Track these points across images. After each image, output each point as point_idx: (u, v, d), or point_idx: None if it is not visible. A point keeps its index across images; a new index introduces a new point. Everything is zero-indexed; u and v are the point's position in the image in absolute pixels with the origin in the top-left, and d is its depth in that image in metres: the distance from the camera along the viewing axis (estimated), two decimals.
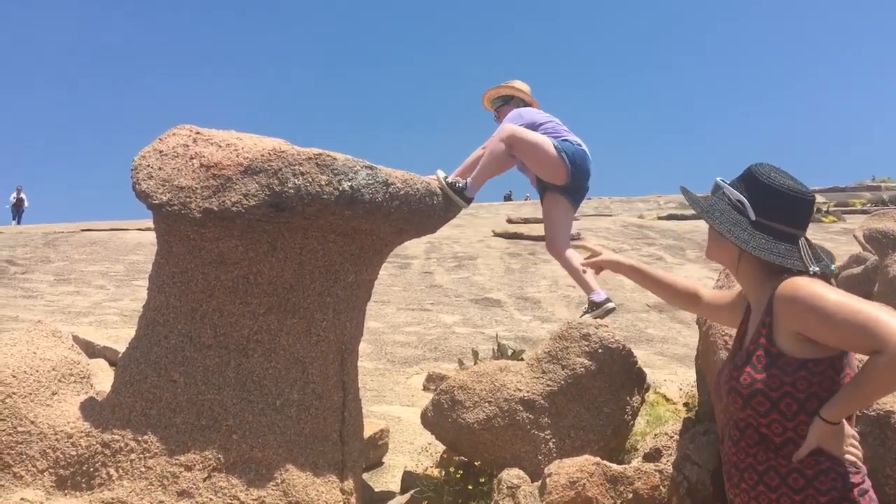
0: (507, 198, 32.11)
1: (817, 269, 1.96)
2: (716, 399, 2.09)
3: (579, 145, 4.42)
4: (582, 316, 4.26)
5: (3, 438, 3.20)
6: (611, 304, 4.26)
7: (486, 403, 3.66)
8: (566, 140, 4.39)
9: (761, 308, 1.99)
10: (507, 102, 4.81)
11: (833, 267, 2.03)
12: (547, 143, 4.33)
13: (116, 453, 3.19)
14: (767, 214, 2.03)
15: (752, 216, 2.04)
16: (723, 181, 2.13)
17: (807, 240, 2.06)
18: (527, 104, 4.77)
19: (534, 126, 4.47)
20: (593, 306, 4.25)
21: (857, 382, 1.78)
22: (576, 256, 4.38)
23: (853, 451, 1.85)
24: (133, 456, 3.18)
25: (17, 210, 28.80)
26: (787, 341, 1.89)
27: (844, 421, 1.84)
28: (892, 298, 6.08)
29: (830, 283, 1.99)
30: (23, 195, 29.05)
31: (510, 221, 20.19)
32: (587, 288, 4.31)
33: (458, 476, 3.76)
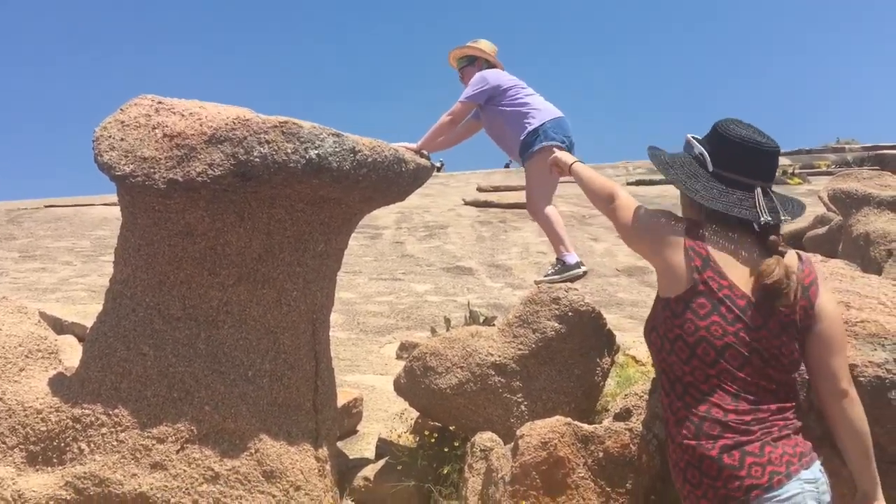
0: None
1: (769, 218, 2.00)
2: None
3: (534, 119, 4.40)
4: (546, 276, 4.24)
5: None
6: (582, 269, 4.25)
7: (458, 369, 3.68)
8: (527, 118, 4.39)
9: None
10: (472, 63, 4.74)
11: (787, 217, 2.05)
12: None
13: (87, 427, 3.17)
14: (725, 165, 2.09)
15: (710, 167, 2.09)
16: (691, 137, 2.18)
17: (768, 190, 2.09)
18: (491, 65, 4.73)
19: (498, 90, 4.46)
20: (562, 268, 4.23)
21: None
22: (553, 214, 4.37)
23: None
24: (104, 430, 3.16)
25: None
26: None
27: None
28: (855, 257, 6.20)
29: (776, 230, 2.05)
30: None
31: (480, 190, 20.18)
32: (560, 246, 4.29)
33: (432, 441, 3.79)
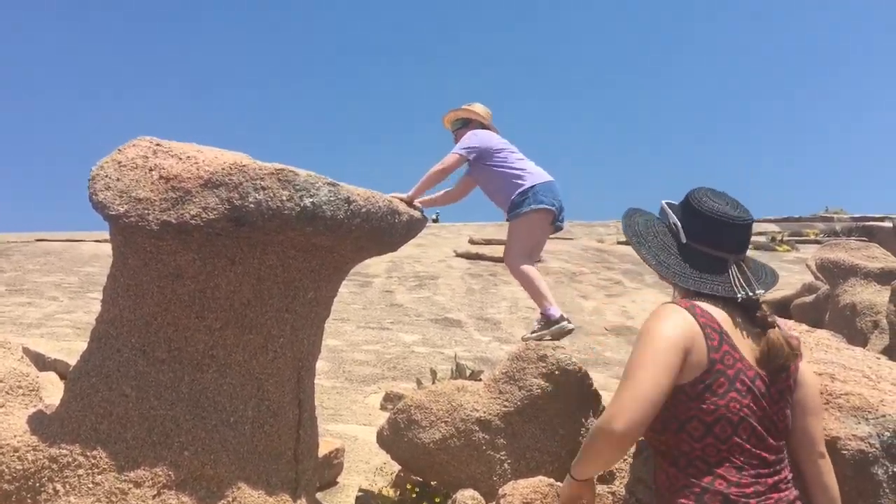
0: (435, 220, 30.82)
1: (744, 293, 2.00)
2: None
3: (524, 181, 4.49)
4: (533, 333, 4.24)
5: None
6: (569, 325, 4.26)
7: (443, 423, 3.65)
8: (518, 181, 4.48)
9: None
10: (466, 125, 4.84)
11: (761, 291, 2.05)
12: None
13: (64, 468, 3.12)
14: (696, 238, 2.08)
15: (683, 239, 2.08)
16: (666, 204, 2.18)
17: (743, 262, 2.09)
18: (485, 128, 4.81)
19: (488, 152, 4.56)
20: (548, 323, 4.23)
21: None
22: (531, 271, 4.41)
23: None
24: (81, 471, 3.11)
25: None
26: None
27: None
28: (842, 327, 6.22)
29: (759, 305, 2.04)
30: None
31: (472, 242, 20.26)
32: (543, 301, 4.31)
33: (413, 496, 3.75)
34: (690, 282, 2.02)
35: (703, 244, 2.06)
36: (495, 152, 4.57)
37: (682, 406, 1.93)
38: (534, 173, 4.54)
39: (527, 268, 4.41)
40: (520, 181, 4.48)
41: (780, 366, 1.97)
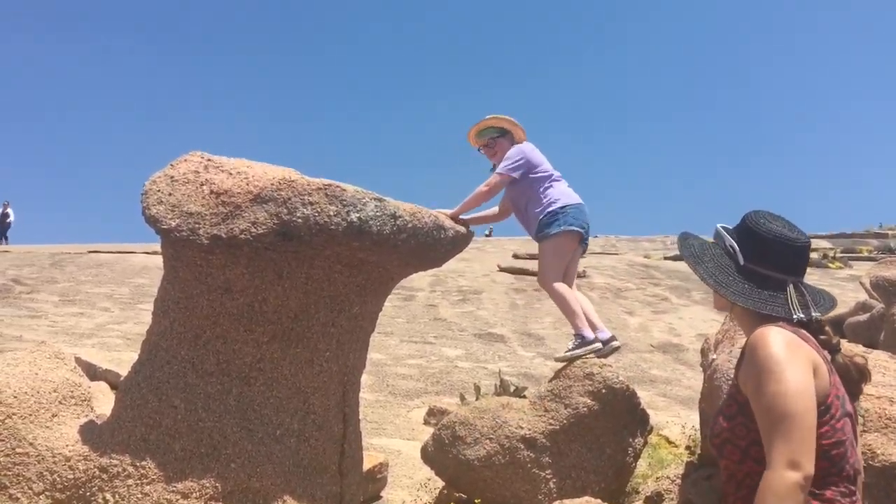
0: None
1: (801, 315, 1.95)
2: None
3: (557, 201, 4.47)
4: (567, 352, 4.13)
5: (1, 459, 3.18)
6: (604, 347, 4.13)
7: (488, 440, 3.63)
8: (552, 203, 4.46)
9: None
10: (504, 135, 4.77)
11: (818, 314, 1.99)
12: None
13: (114, 478, 3.17)
14: (755, 260, 2.04)
15: (741, 261, 2.05)
16: (721, 228, 2.16)
17: (801, 285, 2.05)
18: (518, 142, 4.76)
19: (532, 168, 4.52)
20: (581, 342, 4.14)
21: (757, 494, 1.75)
22: (564, 290, 4.35)
23: None
24: (130, 482, 3.16)
25: (2, 227, 27.33)
26: (748, 389, 1.88)
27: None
28: None
29: (824, 329, 1.98)
30: (9, 210, 27.67)
31: (516, 257, 20.19)
32: (576, 321, 4.24)
33: None
34: (751, 301, 1.98)
35: (761, 266, 2.03)
36: (534, 168, 4.54)
37: None
38: (566, 193, 4.52)
39: (561, 287, 4.37)
40: (552, 201, 4.46)
41: (854, 391, 1.92)
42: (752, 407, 1.82)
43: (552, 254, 4.40)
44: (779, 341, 1.83)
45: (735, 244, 2.08)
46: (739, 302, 2.00)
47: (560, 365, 4.11)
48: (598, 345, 4.10)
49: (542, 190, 4.51)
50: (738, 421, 1.88)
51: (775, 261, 2.03)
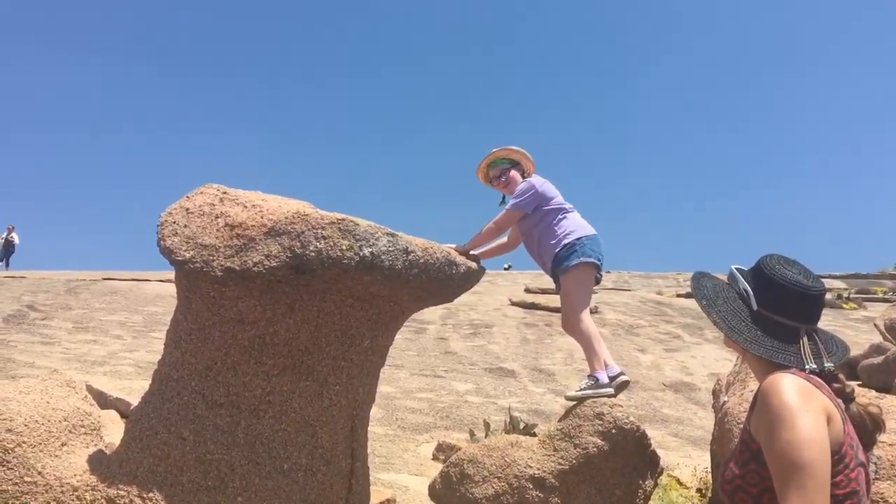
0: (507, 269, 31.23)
1: (814, 366, 1.93)
2: None
3: (572, 233, 4.44)
4: (579, 390, 4.08)
5: (10, 488, 3.19)
6: (613, 387, 4.06)
7: (496, 479, 3.60)
8: (566, 235, 4.43)
9: None
10: (515, 166, 4.76)
11: (830, 364, 1.97)
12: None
13: None
14: (768, 306, 2.01)
15: (754, 306, 2.03)
16: (736, 270, 2.14)
17: (815, 333, 2.03)
18: (528, 174, 4.75)
19: (544, 201, 4.51)
20: (595, 384, 4.08)
21: None
22: (592, 330, 4.30)
23: None
24: None
25: (6, 251, 27.19)
26: (761, 436, 1.85)
27: None
28: None
29: (837, 377, 1.96)
30: (13, 235, 27.52)
31: (528, 291, 20.15)
32: (595, 364, 4.19)
33: None
34: (762, 350, 1.96)
35: (775, 313, 2.01)
36: (548, 200, 4.52)
37: None
38: (581, 225, 4.48)
39: (590, 324, 4.29)
40: (566, 234, 4.41)
41: (868, 442, 1.90)
42: (765, 456, 1.79)
43: (576, 286, 4.32)
44: (792, 389, 1.80)
45: (749, 288, 2.06)
46: (752, 350, 1.98)
47: (570, 403, 4.08)
48: (611, 390, 4.03)
49: (555, 222, 4.47)
50: (750, 468, 1.86)
51: (789, 308, 2.00)
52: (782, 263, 2.05)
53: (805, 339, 1.98)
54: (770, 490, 1.81)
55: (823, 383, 1.90)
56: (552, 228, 4.46)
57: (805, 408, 1.77)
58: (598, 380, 4.08)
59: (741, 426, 2.97)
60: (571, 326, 4.37)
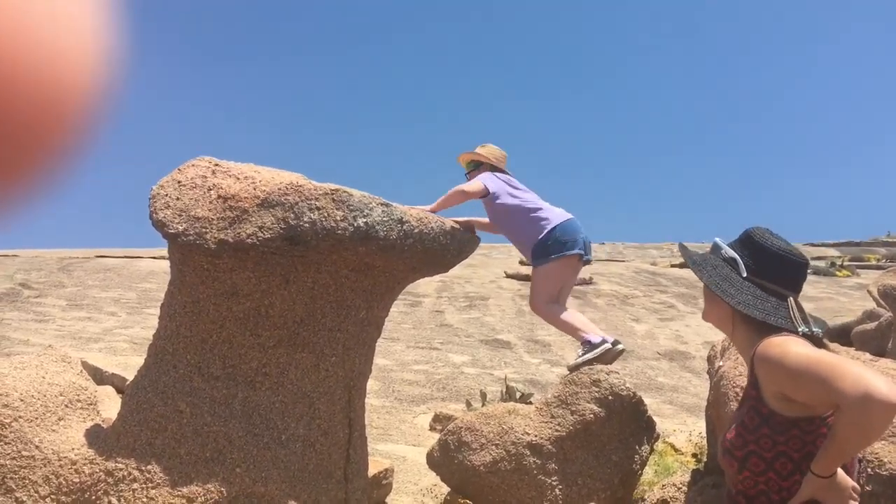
0: None
1: (805, 329, 1.96)
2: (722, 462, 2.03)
3: (545, 223, 4.42)
4: (578, 359, 4.12)
5: (7, 462, 3.19)
6: (614, 347, 4.11)
7: (493, 446, 3.62)
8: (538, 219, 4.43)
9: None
10: (478, 168, 4.78)
11: (818, 329, 2.01)
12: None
13: (119, 482, 3.17)
14: (758, 272, 2.06)
15: (744, 273, 2.07)
16: (720, 241, 2.19)
17: (797, 302, 2.07)
18: (497, 170, 4.75)
19: (510, 190, 4.51)
20: (591, 347, 4.12)
21: (833, 437, 1.73)
22: (558, 310, 4.34)
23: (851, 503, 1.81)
24: (136, 485, 3.16)
25: None
26: (775, 401, 1.86)
27: (841, 471, 1.80)
28: None
29: (823, 343, 1.99)
30: None
31: (523, 263, 20.17)
32: (579, 333, 4.23)
33: None
34: (757, 312, 1.99)
35: (765, 279, 2.05)
36: (514, 191, 4.52)
37: (797, 441, 1.85)
38: (553, 213, 4.47)
39: (553, 309, 4.35)
40: (541, 222, 4.42)
41: None
42: (801, 397, 1.81)
43: (542, 279, 4.38)
44: (799, 344, 1.87)
45: (737, 256, 2.10)
46: (748, 311, 2.00)
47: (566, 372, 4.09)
48: (608, 344, 4.08)
49: (526, 219, 4.46)
50: (762, 433, 1.87)
51: (779, 275, 2.06)
52: (771, 234, 2.12)
53: (793, 305, 2.03)
54: (783, 455, 1.84)
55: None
56: (524, 225, 4.46)
57: (818, 351, 1.84)
58: (591, 342, 4.11)
59: (736, 390, 2.98)
60: (535, 310, 4.49)
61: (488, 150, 4.79)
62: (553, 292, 4.43)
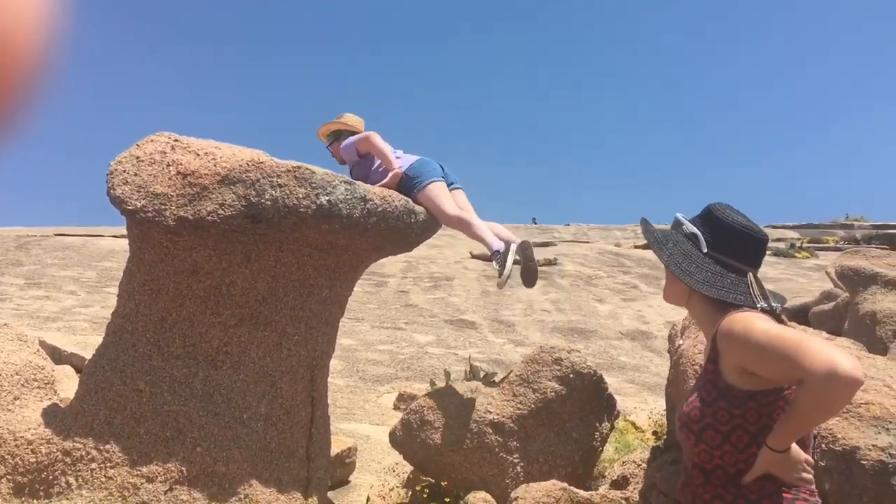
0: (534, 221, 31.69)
1: (764, 304, 1.98)
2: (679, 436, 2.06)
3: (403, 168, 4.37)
4: (500, 276, 3.98)
5: None
6: (514, 243, 4.04)
7: (456, 425, 3.63)
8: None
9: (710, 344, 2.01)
10: (338, 138, 4.74)
11: (777, 304, 2.04)
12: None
13: (77, 462, 3.13)
14: (718, 248, 2.08)
15: (704, 248, 2.08)
16: (681, 216, 2.19)
17: (756, 278, 2.09)
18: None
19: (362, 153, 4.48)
20: (503, 255, 4.02)
21: (793, 411, 1.76)
22: (467, 215, 4.27)
23: (804, 477, 1.85)
24: (94, 465, 3.12)
25: None
26: (733, 375, 1.89)
27: (795, 445, 1.84)
28: (860, 335, 6.14)
29: (782, 319, 2.02)
30: None
31: None
32: (487, 240, 4.11)
33: (425, 496, 3.73)
34: (714, 290, 2.01)
35: (725, 255, 2.06)
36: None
37: (754, 414, 1.87)
38: (404, 158, 4.41)
39: (459, 214, 4.18)
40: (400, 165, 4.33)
41: None
42: (764, 372, 1.83)
43: (435, 195, 4.18)
44: (761, 319, 1.88)
45: (697, 232, 2.11)
46: (703, 290, 2.02)
47: (530, 349, 4.11)
48: (515, 244, 4.03)
49: (381, 166, 4.41)
50: (719, 406, 1.90)
51: (740, 251, 2.07)
52: (732, 210, 2.12)
53: (753, 280, 2.05)
54: (739, 427, 1.86)
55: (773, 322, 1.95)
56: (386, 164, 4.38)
57: (781, 327, 1.87)
58: (498, 251, 4.04)
59: (695, 367, 3.02)
60: (451, 225, 4.25)
61: (347, 119, 4.80)
62: (447, 200, 4.27)
